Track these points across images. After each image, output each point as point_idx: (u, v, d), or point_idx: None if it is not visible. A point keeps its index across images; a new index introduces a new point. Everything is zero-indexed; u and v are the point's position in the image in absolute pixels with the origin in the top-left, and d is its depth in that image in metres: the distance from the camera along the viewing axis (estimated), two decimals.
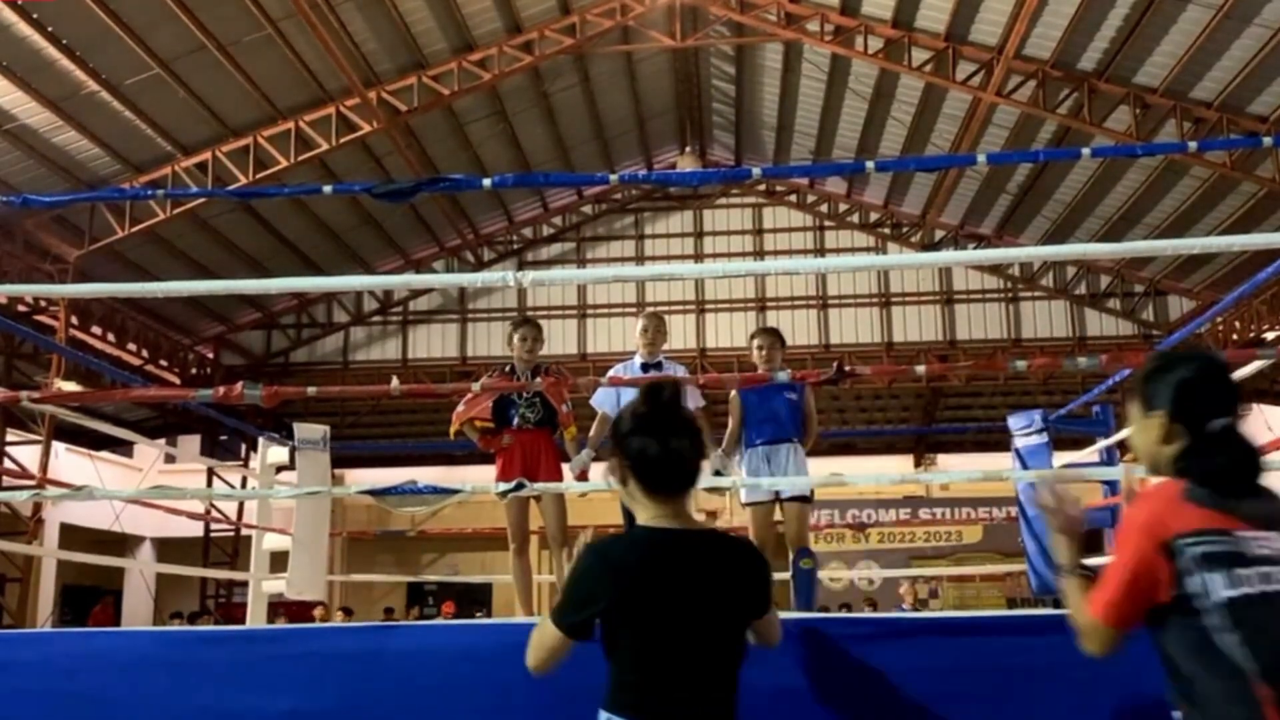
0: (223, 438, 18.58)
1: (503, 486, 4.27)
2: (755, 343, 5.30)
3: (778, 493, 4.99)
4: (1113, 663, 2.08)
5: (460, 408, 5.07)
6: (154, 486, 5.15)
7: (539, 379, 4.95)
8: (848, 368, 3.81)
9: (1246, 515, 1.95)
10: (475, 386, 4.30)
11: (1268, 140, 8.93)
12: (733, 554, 2.25)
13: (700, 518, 2.60)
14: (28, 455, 13.44)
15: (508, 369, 5.17)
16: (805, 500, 5.05)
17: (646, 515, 2.23)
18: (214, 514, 15.98)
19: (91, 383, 14.45)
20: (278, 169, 13.62)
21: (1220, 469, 2.01)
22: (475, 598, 18.43)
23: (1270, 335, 14.88)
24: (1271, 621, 1.88)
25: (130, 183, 13.30)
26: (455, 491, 4.10)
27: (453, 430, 5.15)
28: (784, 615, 2.51)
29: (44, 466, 12.67)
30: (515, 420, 5.03)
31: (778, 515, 5.09)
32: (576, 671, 2.36)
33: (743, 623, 2.24)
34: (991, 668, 2.95)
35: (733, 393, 5.19)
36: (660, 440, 2.20)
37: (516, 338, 5.11)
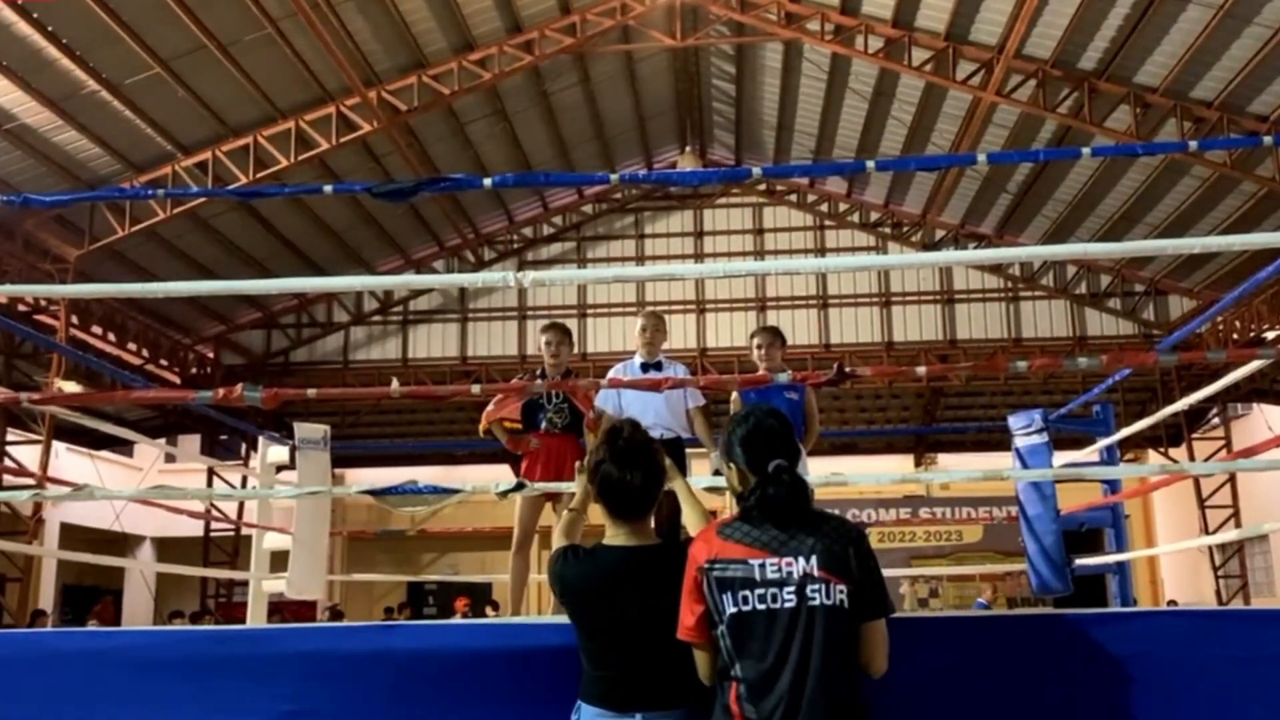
0: (223, 437, 18.58)
1: (503, 486, 4.27)
2: (755, 341, 5.32)
3: None
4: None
5: (490, 406, 5.16)
6: (154, 486, 5.13)
7: (540, 381, 4.98)
8: (848, 368, 3.80)
9: (766, 545, 2.35)
10: (475, 388, 4.30)
11: (1268, 140, 8.94)
12: (674, 562, 2.52)
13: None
14: (28, 455, 13.44)
15: (538, 373, 5.24)
16: None
17: (608, 533, 2.62)
18: (214, 514, 15.98)
19: (92, 382, 14.46)
20: (278, 169, 13.62)
21: (761, 502, 2.39)
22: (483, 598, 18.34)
23: (1270, 334, 14.88)
24: (757, 630, 2.30)
25: (130, 182, 13.29)
26: (455, 491, 4.09)
27: (482, 428, 5.24)
28: None
29: (44, 466, 12.66)
30: (543, 425, 5.10)
31: None
32: (570, 671, 2.61)
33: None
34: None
35: (734, 393, 5.19)
36: (617, 473, 2.58)
37: (542, 342, 5.17)
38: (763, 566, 2.33)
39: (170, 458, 17.61)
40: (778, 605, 2.30)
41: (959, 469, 17.85)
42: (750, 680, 2.30)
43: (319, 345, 19.33)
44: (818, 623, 2.29)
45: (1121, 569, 6.65)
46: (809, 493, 2.44)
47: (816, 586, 2.31)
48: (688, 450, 5.25)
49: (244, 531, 16.14)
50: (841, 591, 2.32)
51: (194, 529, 16.72)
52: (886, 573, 2.53)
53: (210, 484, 16.48)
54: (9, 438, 13.70)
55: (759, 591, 2.31)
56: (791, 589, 2.30)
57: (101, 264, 14.07)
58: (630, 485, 2.57)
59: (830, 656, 2.29)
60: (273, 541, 6.82)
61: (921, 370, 4.43)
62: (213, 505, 15.41)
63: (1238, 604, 16.24)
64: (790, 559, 2.33)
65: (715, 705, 2.38)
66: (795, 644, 2.28)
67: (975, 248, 17.67)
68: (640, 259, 19.18)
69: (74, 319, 14.24)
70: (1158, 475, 6.49)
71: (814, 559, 2.33)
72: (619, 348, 16.94)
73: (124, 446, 17.98)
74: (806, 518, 2.40)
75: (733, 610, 2.32)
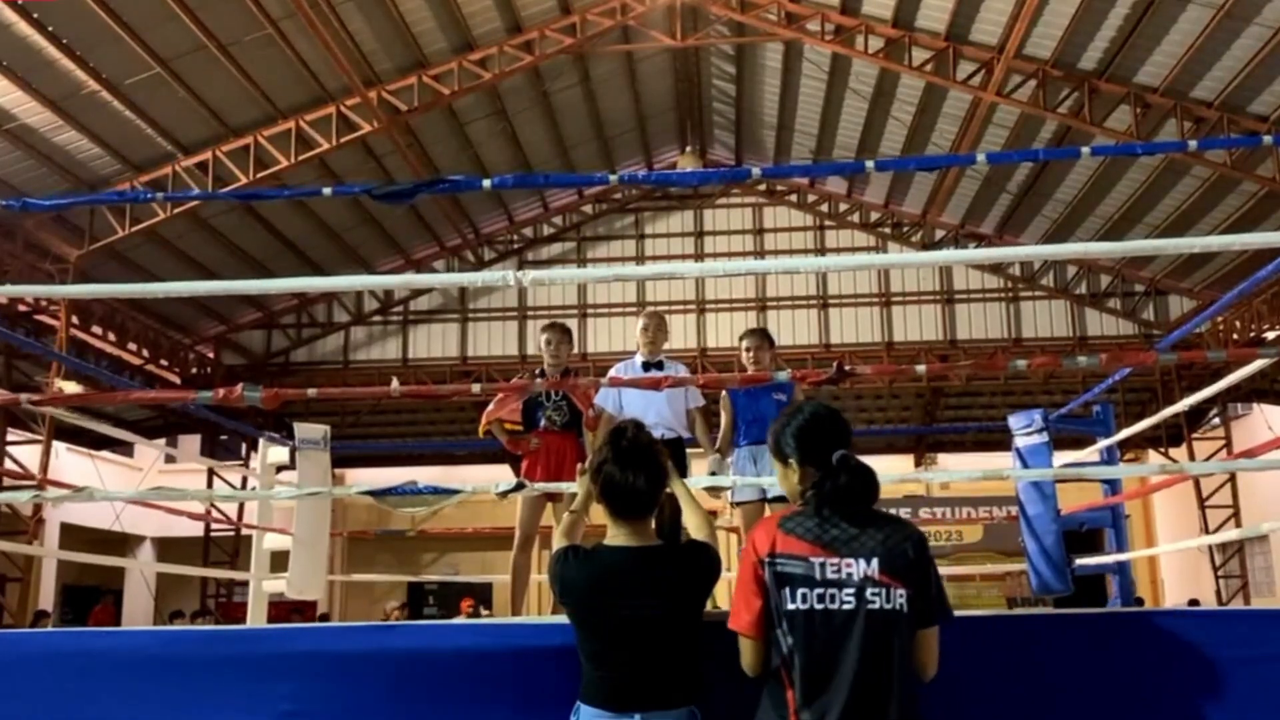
0: (223, 438, 18.59)
1: (503, 486, 4.27)
2: (744, 345, 5.35)
3: (764, 491, 5.01)
4: None
5: (490, 406, 5.18)
6: (154, 487, 5.13)
7: (540, 379, 4.99)
8: (848, 367, 3.80)
9: (827, 543, 2.33)
10: (476, 387, 4.30)
11: (1268, 140, 8.92)
12: (675, 563, 2.59)
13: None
14: (28, 455, 13.44)
15: (538, 372, 5.25)
16: None
17: (609, 534, 2.62)
18: (214, 514, 15.97)
19: (92, 383, 14.45)
20: (278, 169, 13.61)
21: (833, 494, 2.36)
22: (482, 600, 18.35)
23: (1270, 334, 14.88)
24: (815, 630, 2.28)
25: (130, 182, 13.30)
26: (455, 491, 4.09)
27: (481, 429, 5.28)
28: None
29: (44, 466, 12.67)
30: (542, 423, 5.12)
31: (768, 514, 5.12)
32: (570, 671, 2.61)
33: (689, 619, 2.56)
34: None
35: (723, 392, 5.23)
36: (620, 474, 2.58)
37: (542, 341, 5.19)
38: (823, 566, 2.31)
39: (170, 458, 17.59)
40: (835, 606, 2.28)
41: (959, 469, 17.86)
42: (807, 681, 2.28)
43: (319, 345, 19.33)
44: (875, 627, 2.28)
45: (1122, 569, 6.64)
46: (877, 483, 2.41)
47: (876, 590, 2.29)
48: (687, 450, 5.26)
49: (244, 532, 16.14)
50: (901, 596, 2.31)
51: (194, 529, 16.72)
52: None
53: (210, 484, 16.46)
54: (9, 438, 13.70)
55: (818, 591, 2.29)
56: (851, 590, 2.29)
57: (102, 264, 14.07)
58: (633, 486, 2.58)
59: (886, 661, 2.28)
60: (273, 542, 6.82)
61: (921, 369, 4.42)
62: (213, 506, 15.40)
63: (1238, 604, 16.24)
64: (850, 560, 2.31)
65: (766, 701, 2.36)
66: (852, 647, 2.27)
67: (975, 248, 17.67)
68: (640, 259, 19.18)
69: (74, 319, 14.23)
70: (1158, 475, 6.49)
71: (875, 562, 2.31)
72: (619, 348, 16.95)
73: (124, 447, 17.98)
74: (871, 515, 2.38)
75: (791, 607, 2.31)
